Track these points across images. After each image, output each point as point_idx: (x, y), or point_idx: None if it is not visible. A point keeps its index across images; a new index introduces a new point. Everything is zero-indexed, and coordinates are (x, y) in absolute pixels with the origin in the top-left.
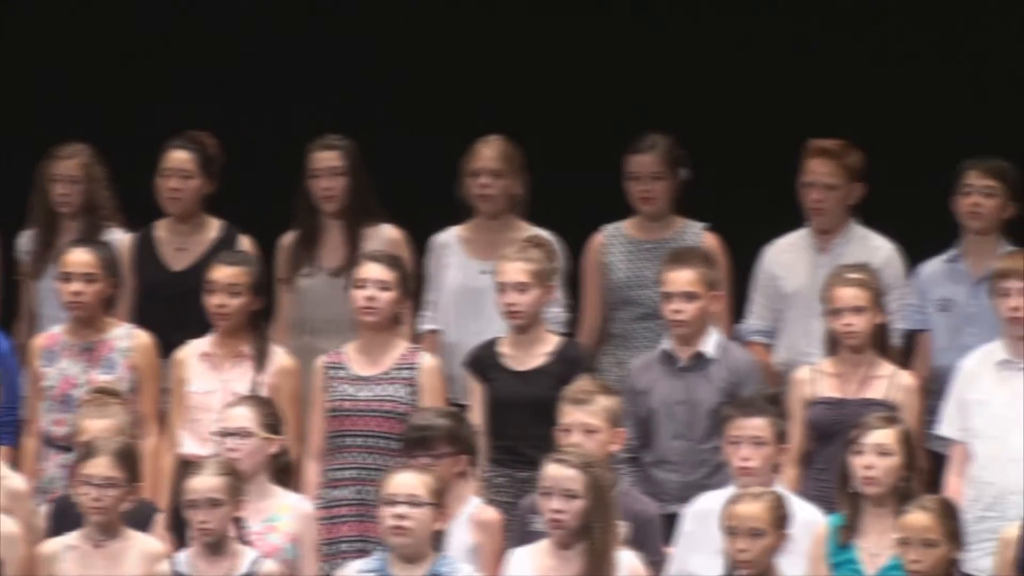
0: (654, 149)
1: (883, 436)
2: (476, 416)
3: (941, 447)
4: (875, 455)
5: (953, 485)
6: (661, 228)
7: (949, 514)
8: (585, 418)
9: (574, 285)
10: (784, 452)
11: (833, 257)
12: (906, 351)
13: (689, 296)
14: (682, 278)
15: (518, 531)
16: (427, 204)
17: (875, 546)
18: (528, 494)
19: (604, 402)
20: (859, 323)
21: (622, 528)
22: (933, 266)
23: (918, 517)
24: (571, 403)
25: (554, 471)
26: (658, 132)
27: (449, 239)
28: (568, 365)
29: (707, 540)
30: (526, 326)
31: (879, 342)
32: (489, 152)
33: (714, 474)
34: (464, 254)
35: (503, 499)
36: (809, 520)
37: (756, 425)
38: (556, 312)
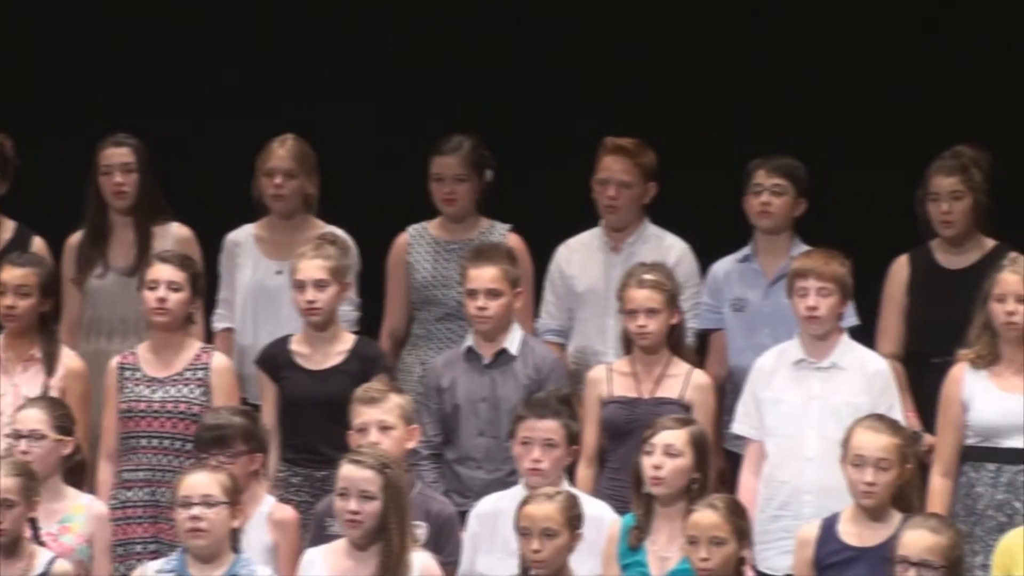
0: (458, 151)
1: (672, 437)
2: (267, 415)
3: (737, 446)
4: (664, 456)
5: (747, 483)
6: (465, 229)
7: (737, 512)
8: (380, 416)
9: (373, 284)
10: (575, 454)
11: (626, 256)
12: (701, 350)
13: (492, 293)
14: (485, 275)
15: (315, 533)
16: (223, 201)
17: (664, 549)
18: (325, 494)
19: (396, 400)
20: (653, 325)
21: (419, 529)
22: (726, 266)
23: (706, 515)
24: (364, 403)
25: (350, 472)
26: (463, 134)
27: (243, 237)
28: (364, 364)
29: (494, 540)
30: (324, 324)
31: (673, 342)
32: (282, 152)
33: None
34: (258, 253)
35: (300, 499)
36: (602, 519)
37: (548, 427)
38: (348, 311)
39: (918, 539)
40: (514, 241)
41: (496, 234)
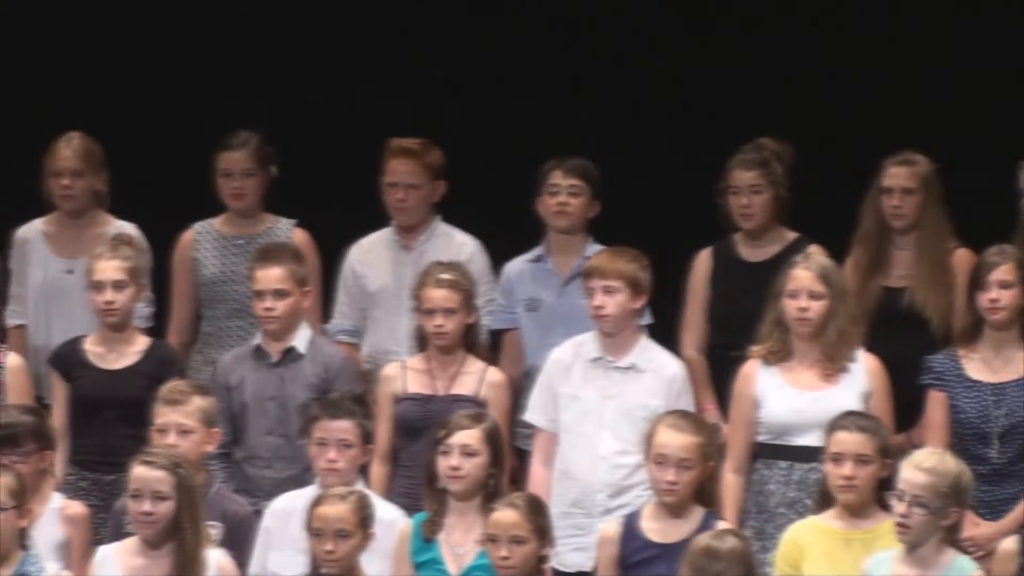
0: (246, 146)
1: (467, 436)
2: (57, 417)
3: (528, 445)
4: (461, 456)
5: (538, 475)
6: (251, 224)
7: (537, 511)
8: (180, 419)
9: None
10: (370, 452)
11: (417, 255)
12: (494, 348)
13: (279, 293)
14: (272, 275)
15: (112, 530)
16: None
17: (459, 543)
18: (114, 499)
19: (199, 402)
20: (450, 324)
21: (214, 529)
22: (518, 266)
23: (507, 514)
24: (165, 404)
25: (142, 473)
26: (248, 130)
27: (32, 234)
28: (159, 365)
29: (287, 539)
30: (121, 324)
31: (468, 340)
32: (68, 151)
33: (308, 470)
34: (47, 250)
35: (89, 502)
36: (392, 519)
37: (342, 427)
38: (141, 307)
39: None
40: (300, 237)
41: (281, 229)
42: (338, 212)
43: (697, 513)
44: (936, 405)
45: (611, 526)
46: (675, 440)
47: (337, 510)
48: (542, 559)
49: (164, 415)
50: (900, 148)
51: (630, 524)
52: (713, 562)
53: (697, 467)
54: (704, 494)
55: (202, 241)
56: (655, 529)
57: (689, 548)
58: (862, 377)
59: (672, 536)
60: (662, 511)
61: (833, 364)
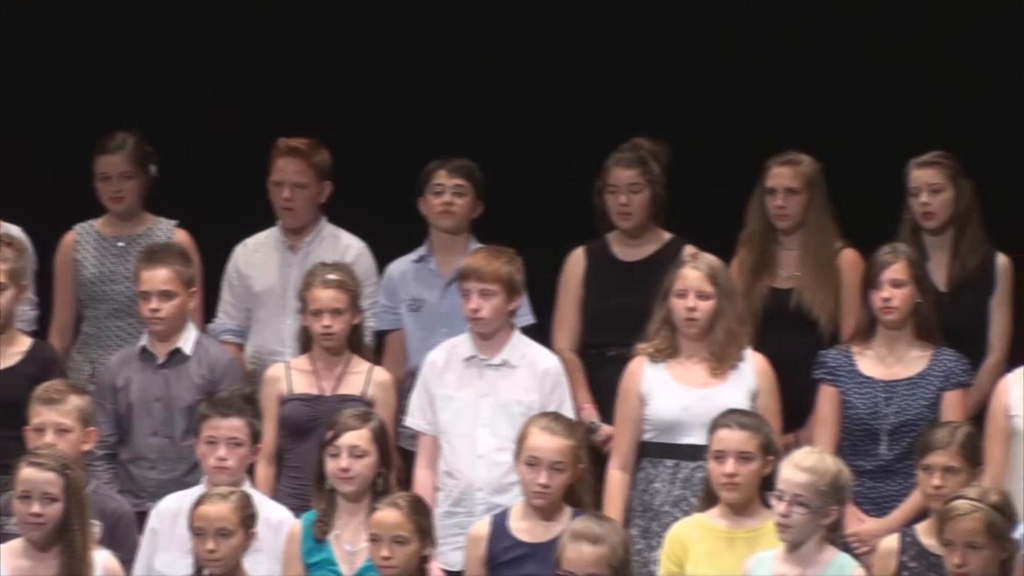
0: (123, 148)
1: (356, 437)
2: None
3: (411, 445)
4: (350, 458)
5: (422, 478)
6: (131, 225)
7: (420, 511)
8: (57, 418)
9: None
10: (257, 452)
11: (303, 255)
12: (379, 350)
13: (165, 295)
14: (158, 277)
15: None
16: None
17: (351, 542)
18: None
19: (76, 401)
20: (337, 325)
21: (96, 527)
22: (401, 266)
23: (389, 514)
24: (42, 403)
25: (31, 474)
26: (125, 131)
27: None
28: (40, 366)
29: (174, 539)
30: (2, 326)
31: (354, 341)
32: None
33: (193, 471)
34: None
35: None
36: (281, 520)
37: (232, 426)
38: (26, 310)
39: (580, 555)
40: (181, 237)
41: (162, 229)
42: (221, 212)
43: (566, 514)
44: (827, 400)
45: (480, 525)
46: (548, 442)
47: (218, 509)
48: (424, 559)
49: (41, 414)
50: (784, 148)
51: (499, 523)
52: (594, 526)
53: (569, 469)
54: (574, 495)
55: (83, 242)
56: (524, 529)
57: (562, 537)
58: (750, 376)
59: (541, 536)
60: (532, 511)
61: (721, 363)
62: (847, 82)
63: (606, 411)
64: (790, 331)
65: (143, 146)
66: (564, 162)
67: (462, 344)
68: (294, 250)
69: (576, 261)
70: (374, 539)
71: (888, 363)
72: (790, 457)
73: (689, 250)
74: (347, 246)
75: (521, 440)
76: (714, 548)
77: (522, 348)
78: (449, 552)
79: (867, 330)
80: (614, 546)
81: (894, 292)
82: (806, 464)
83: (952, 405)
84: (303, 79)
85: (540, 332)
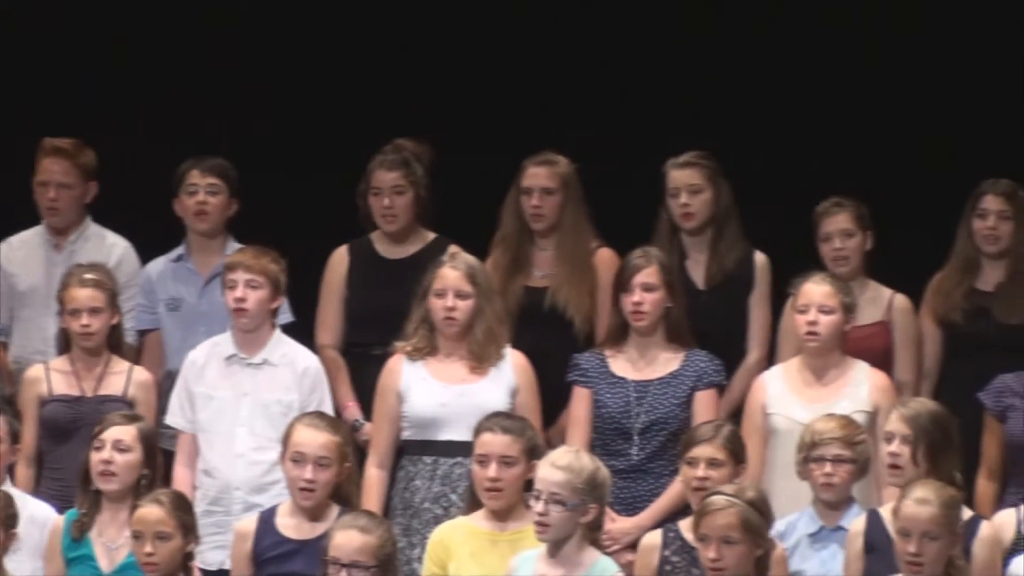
0: None
1: (122, 432)
2: None
3: (172, 445)
4: (114, 451)
5: (180, 476)
6: None
7: (182, 507)
8: None
9: None
10: (17, 452)
11: (68, 255)
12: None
13: None
14: None
15: None
16: None
17: (112, 540)
18: None
19: None
20: (96, 324)
21: None
22: (159, 266)
23: (151, 510)
24: None
25: None
26: None
27: None
28: None
29: None
30: None
31: (113, 341)
32: None
33: None
34: None
35: None
36: (45, 517)
37: None
38: None
39: (348, 540)
40: None
41: None
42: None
43: (333, 512)
44: (580, 401)
45: (246, 522)
46: (312, 439)
47: None
48: (188, 555)
49: None
50: (542, 148)
51: (266, 520)
52: (363, 517)
53: (334, 466)
54: (341, 494)
55: None
56: (291, 526)
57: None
58: (510, 373)
59: (308, 533)
60: (299, 508)
61: (480, 363)
62: (603, 82)
63: (370, 410)
64: (544, 330)
65: None
66: (328, 161)
67: (223, 343)
68: (59, 249)
69: (339, 260)
70: (136, 535)
71: (639, 366)
72: (547, 456)
73: (452, 249)
74: (112, 245)
75: (286, 438)
76: (477, 550)
77: (283, 347)
78: (208, 551)
79: (619, 333)
80: (382, 539)
81: (645, 296)
82: (562, 462)
83: (704, 404)
84: (65, 79)
85: (303, 330)
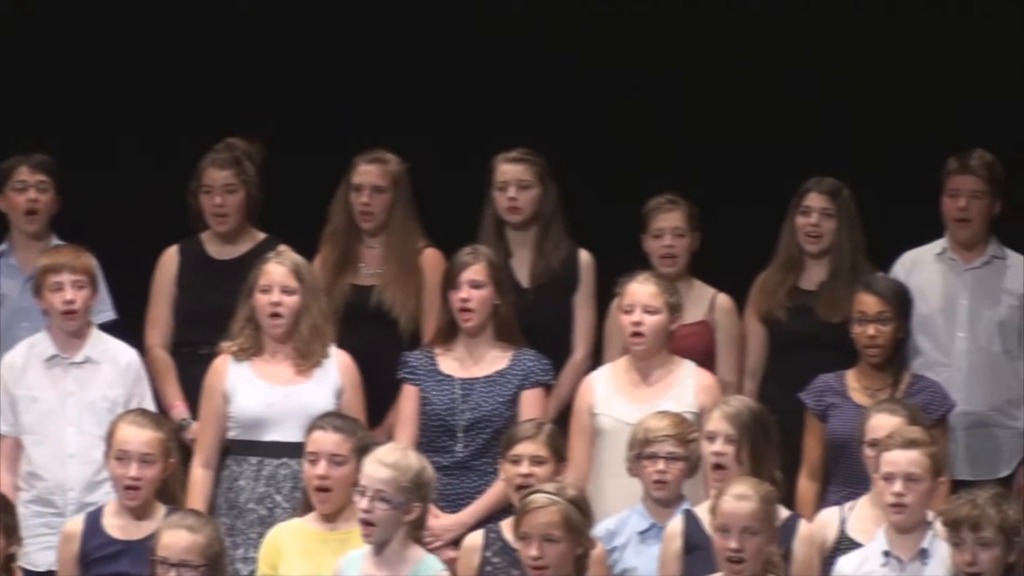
0: None
1: None
2: None
3: None
4: None
5: (3, 479)
6: None
7: (4, 509)
8: None
9: None
10: None
11: None
12: None
13: None
14: None
15: None
16: None
17: None
18: None
19: None
20: None
21: None
22: None
23: None
24: None
25: None
26: None
27: None
28: None
29: None
30: None
31: None
32: None
33: None
34: None
35: None
36: None
37: None
38: None
39: (176, 539)
40: None
41: None
42: None
43: (160, 511)
44: (408, 399)
45: (73, 523)
46: (136, 435)
47: None
48: (10, 557)
49: None
50: (372, 146)
51: (93, 521)
52: (191, 516)
53: (159, 462)
54: (167, 492)
55: None
56: (118, 526)
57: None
58: (335, 373)
59: (135, 533)
60: (125, 508)
61: (306, 360)
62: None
63: (198, 409)
64: (371, 329)
65: None
66: (157, 161)
67: (40, 343)
68: None
69: (169, 260)
70: None
71: (467, 364)
72: (372, 453)
73: (282, 248)
74: None
75: (109, 437)
76: (307, 549)
77: (102, 343)
78: (35, 552)
79: (448, 331)
80: (210, 538)
81: (472, 293)
82: (388, 460)
83: (530, 403)
84: None
85: (130, 330)
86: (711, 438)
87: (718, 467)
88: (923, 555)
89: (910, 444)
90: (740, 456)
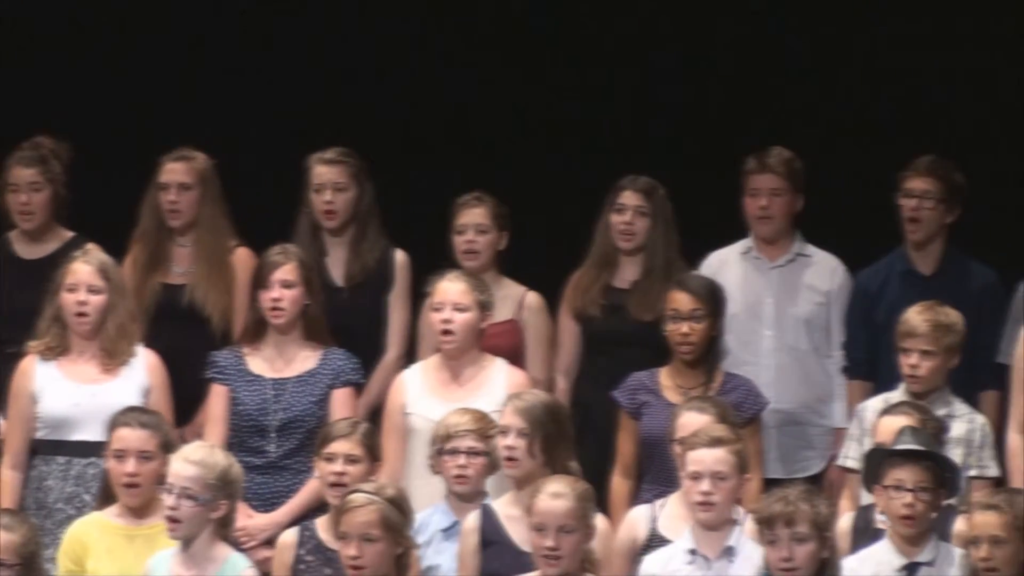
0: None
1: None
2: None
3: None
4: None
5: None
6: None
7: None
8: None
9: None
10: None
11: None
12: None
13: None
14: None
15: None
16: None
17: None
18: None
19: None
20: None
21: None
22: None
23: None
24: None
25: None
26: None
27: None
28: None
29: None
30: None
31: None
32: None
33: None
34: None
35: None
36: None
37: None
38: None
39: None
40: None
41: None
42: None
43: None
44: (217, 398)
45: None
46: None
47: None
48: None
49: None
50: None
51: None
52: (6, 516)
53: None
54: None
55: None
56: None
57: None
58: (142, 372)
59: None
60: None
61: (113, 359)
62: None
63: (6, 410)
64: (182, 328)
65: None
66: None
67: None
68: None
69: None
70: None
71: (277, 364)
72: (179, 451)
73: (90, 247)
74: None
75: None
76: (114, 545)
77: None
78: None
79: (256, 330)
80: (25, 536)
81: (283, 293)
82: (195, 457)
83: (341, 402)
84: None
85: None
86: (504, 432)
87: (510, 460)
88: (729, 553)
89: (715, 442)
90: (532, 450)
